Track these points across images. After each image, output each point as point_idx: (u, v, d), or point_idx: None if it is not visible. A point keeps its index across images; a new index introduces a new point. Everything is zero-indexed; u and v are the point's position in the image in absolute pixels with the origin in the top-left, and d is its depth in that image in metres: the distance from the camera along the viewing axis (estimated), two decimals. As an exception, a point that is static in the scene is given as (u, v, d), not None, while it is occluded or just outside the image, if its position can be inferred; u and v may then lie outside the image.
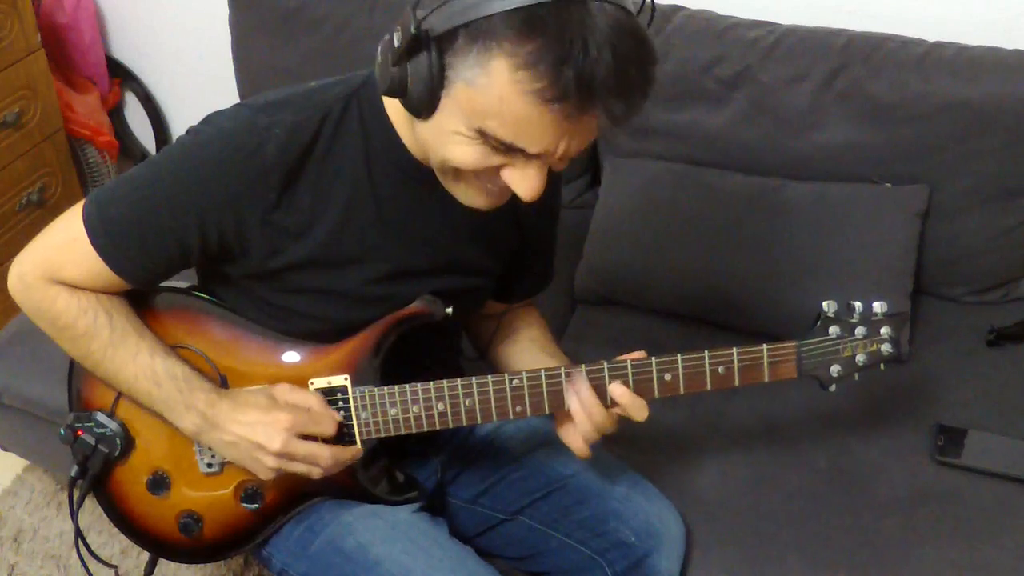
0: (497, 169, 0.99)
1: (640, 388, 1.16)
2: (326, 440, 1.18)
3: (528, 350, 1.34)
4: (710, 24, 1.82)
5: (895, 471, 1.51)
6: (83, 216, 1.12)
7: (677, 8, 1.87)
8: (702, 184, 1.82)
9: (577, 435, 1.18)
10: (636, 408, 1.15)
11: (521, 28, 0.88)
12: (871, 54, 1.72)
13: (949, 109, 1.66)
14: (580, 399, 1.15)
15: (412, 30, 0.91)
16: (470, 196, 1.05)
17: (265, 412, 1.14)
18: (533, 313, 1.42)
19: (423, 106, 0.96)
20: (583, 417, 1.15)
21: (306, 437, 1.16)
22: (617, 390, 1.14)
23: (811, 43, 1.76)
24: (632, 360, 1.15)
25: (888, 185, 1.75)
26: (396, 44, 0.94)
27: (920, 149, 1.71)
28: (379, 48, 0.99)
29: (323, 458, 1.16)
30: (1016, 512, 1.44)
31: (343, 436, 1.21)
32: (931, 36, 1.74)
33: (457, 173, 1.02)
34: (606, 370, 1.15)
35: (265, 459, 1.15)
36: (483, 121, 0.93)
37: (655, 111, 1.85)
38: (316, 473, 1.17)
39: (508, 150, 0.96)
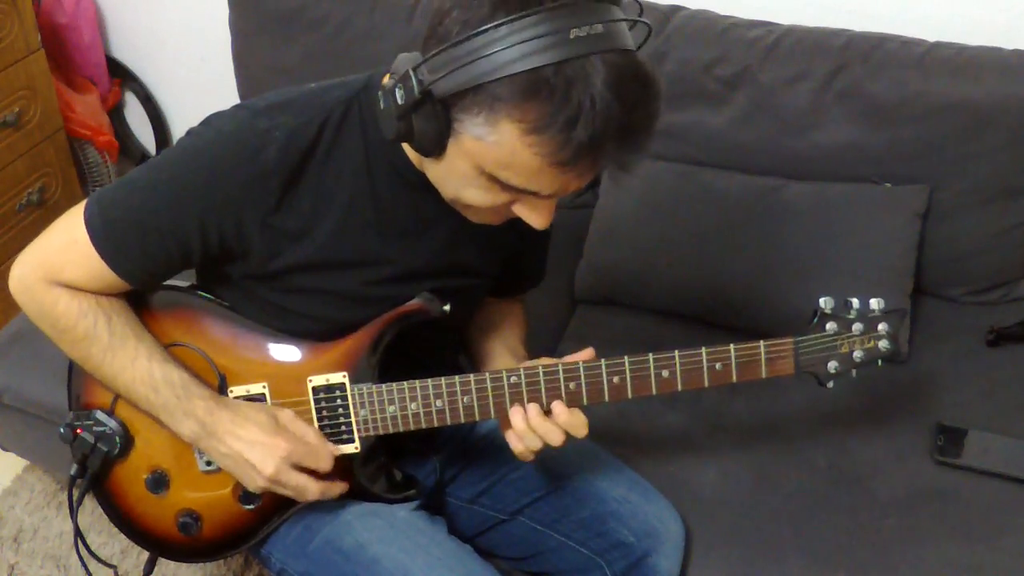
0: (508, 204, 1.02)
1: (637, 385, 1.16)
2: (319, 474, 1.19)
3: (497, 350, 1.35)
4: (710, 24, 1.82)
5: (895, 471, 1.51)
6: (84, 218, 1.12)
7: (677, 8, 1.88)
8: (702, 184, 1.82)
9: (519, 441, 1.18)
10: (575, 426, 1.15)
11: (527, 92, 0.88)
12: (871, 54, 1.72)
13: (949, 109, 1.66)
14: (527, 416, 1.15)
15: (416, 94, 0.92)
16: (481, 219, 1.08)
17: (265, 434, 1.15)
18: (516, 309, 1.43)
19: (432, 151, 0.98)
20: (525, 431, 1.16)
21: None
22: (556, 408, 1.15)
23: (811, 43, 1.76)
24: (585, 362, 1.15)
25: (888, 185, 1.75)
26: (399, 100, 0.94)
27: (920, 149, 1.71)
28: (379, 92, 0.99)
29: (311, 492, 1.18)
30: (1016, 512, 1.44)
31: (340, 435, 1.21)
32: (931, 36, 1.74)
33: (468, 205, 1.04)
34: (603, 367, 1.15)
35: (256, 479, 1.16)
36: (495, 170, 0.95)
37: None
38: (302, 501, 1.19)
39: (520, 191, 0.98)
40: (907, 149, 1.72)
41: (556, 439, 1.15)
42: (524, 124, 0.89)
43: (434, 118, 0.94)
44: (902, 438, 1.56)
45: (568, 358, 1.17)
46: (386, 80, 1.06)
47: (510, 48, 0.87)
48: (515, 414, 1.15)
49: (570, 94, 0.87)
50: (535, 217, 1.02)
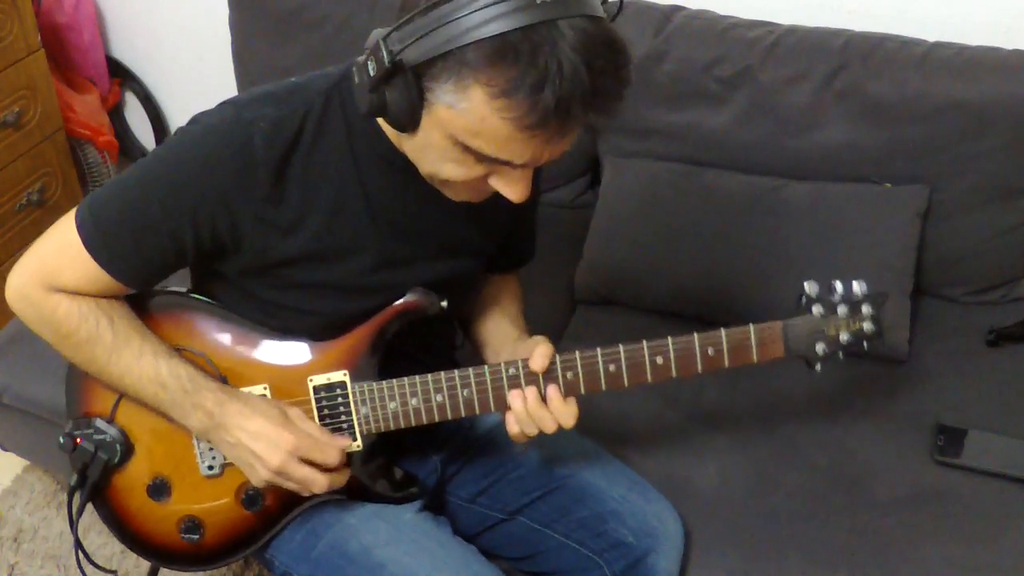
0: (485, 176, 1.02)
1: (633, 372, 1.17)
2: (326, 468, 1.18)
3: (497, 320, 1.36)
4: (710, 24, 1.82)
5: (895, 471, 1.51)
6: (76, 221, 1.12)
7: (677, 8, 1.88)
8: (702, 184, 1.82)
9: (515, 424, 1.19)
10: (564, 414, 1.16)
11: (493, 57, 0.89)
12: (871, 54, 1.72)
13: (949, 109, 1.66)
14: (526, 400, 1.16)
15: (387, 64, 0.92)
16: (460, 196, 1.08)
17: (274, 427, 1.15)
18: (512, 283, 1.43)
19: (406, 124, 0.98)
20: (523, 415, 1.17)
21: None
22: (550, 391, 1.16)
23: (811, 43, 1.76)
24: (581, 353, 1.16)
25: (888, 185, 1.75)
26: (371, 72, 0.95)
27: (920, 149, 1.71)
28: (354, 68, 1.00)
29: (318, 485, 1.16)
30: (1016, 512, 1.44)
31: (342, 433, 1.21)
32: (931, 36, 1.74)
33: (446, 180, 1.04)
34: (599, 356, 1.16)
35: (260, 471, 1.15)
36: (467, 139, 0.96)
37: (655, 111, 1.85)
38: (306, 494, 1.18)
39: (494, 161, 0.98)
40: (907, 149, 1.72)
41: (549, 427, 1.17)
42: (492, 88, 0.90)
43: (405, 88, 0.94)
44: (902, 438, 1.56)
45: (532, 360, 1.16)
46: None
47: (477, 13, 0.88)
48: (515, 397, 1.16)
49: (537, 58, 0.88)
50: (511, 189, 1.02)
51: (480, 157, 0.98)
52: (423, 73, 0.93)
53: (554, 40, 0.88)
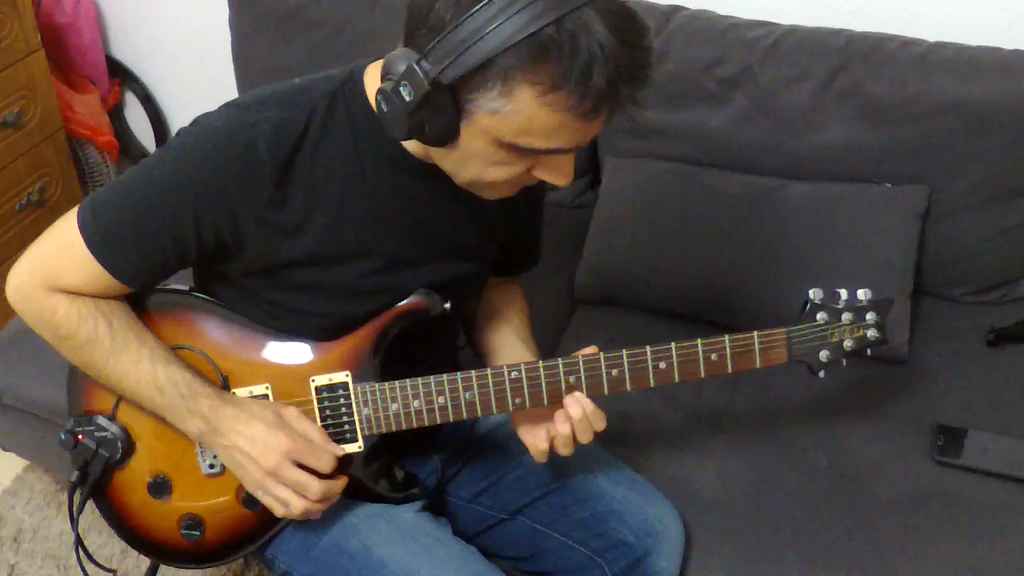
0: (528, 170, 1.03)
1: (635, 377, 1.17)
2: (320, 476, 1.17)
3: (506, 337, 1.36)
4: (710, 24, 1.83)
5: (895, 471, 1.51)
6: (78, 222, 1.12)
7: (677, 8, 1.88)
8: (702, 184, 1.82)
9: (545, 440, 1.20)
10: (597, 417, 1.17)
11: (537, 55, 0.89)
12: (871, 54, 1.72)
13: (949, 109, 1.66)
14: (583, 405, 1.17)
15: (427, 86, 0.92)
16: (497, 194, 1.09)
17: (268, 429, 1.15)
18: (517, 294, 1.43)
19: (446, 139, 0.99)
20: (581, 416, 1.17)
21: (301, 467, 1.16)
22: (577, 396, 1.16)
23: (811, 43, 1.76)
24: (584, 355, 1.17)
25: (888, 185, 1.75)
26: (407, 97, 0.94)
27: (920, 149, 1.71)
28: (378, 98, 0.99)
29: (311, 490, 1.15)
30: (1016, 512, 1.44)
31: (343, 434, 1.21)
32: (931, 36, 1.74)
33: (488, 183, 1.05)
34: (602, 360, 1.17)
35: (254, 473, 1.15)
36: (515, 138, 0.96)
37: (655, 111, 1.85)
38: (296, 505, 1.15)
39: (542, 153, 0.99)
40: (907, 149, 1.72)
41: (587, 436, 1.18)
42: (541, 86, 0.91)
43: (445, 107, 0.94)
44: (902, 438, 1.56)
45: (575, 354, 1.18)
46: (370, 82, 1.07)
47: (511, 18, 0.88)
48: (573, 404, 1.16)
49: (577, 46, 0.89)
50: (558, 176, 1.04)
51: (526, 153, 0.98)
52: (462, 87, 0.93)
53: (586, 24, 0.88)
